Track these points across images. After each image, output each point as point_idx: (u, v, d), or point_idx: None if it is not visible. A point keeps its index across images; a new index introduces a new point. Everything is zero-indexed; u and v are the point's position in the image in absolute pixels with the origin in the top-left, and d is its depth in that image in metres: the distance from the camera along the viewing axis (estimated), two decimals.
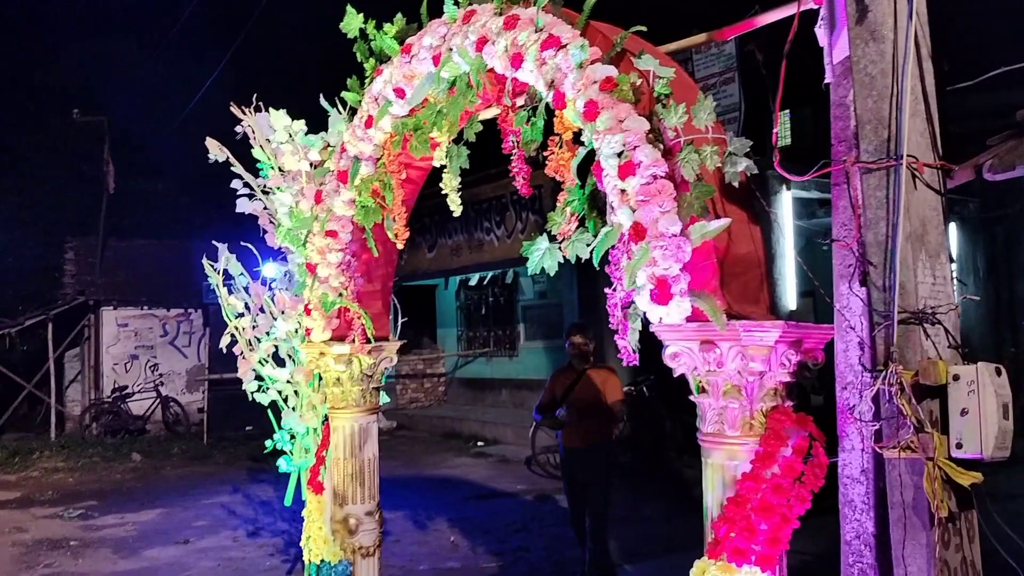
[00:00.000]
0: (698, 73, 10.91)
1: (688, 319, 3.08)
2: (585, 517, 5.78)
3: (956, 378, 2.56)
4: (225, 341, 5.41)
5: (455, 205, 4.17)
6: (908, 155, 2.69)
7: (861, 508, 2.88)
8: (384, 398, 5.23)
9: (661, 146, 3.15)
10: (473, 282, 16.75)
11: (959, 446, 2.54)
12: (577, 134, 3.45)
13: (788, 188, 10.66)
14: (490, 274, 16.00)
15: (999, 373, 2.57)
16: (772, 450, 3.01)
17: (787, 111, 13.12)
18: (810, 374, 3.48)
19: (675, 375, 3.30)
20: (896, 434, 2.64)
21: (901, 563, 2.65)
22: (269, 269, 5.67)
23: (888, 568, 2.77)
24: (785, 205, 10.69)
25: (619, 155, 3.16)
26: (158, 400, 16.38)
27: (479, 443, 13.62)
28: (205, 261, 5.50)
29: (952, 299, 2.83)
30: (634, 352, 3.33)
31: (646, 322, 3.24)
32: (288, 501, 5.59)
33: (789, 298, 10.48)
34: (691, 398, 3.25)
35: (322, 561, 4.90)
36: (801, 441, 3.06)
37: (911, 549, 2.64)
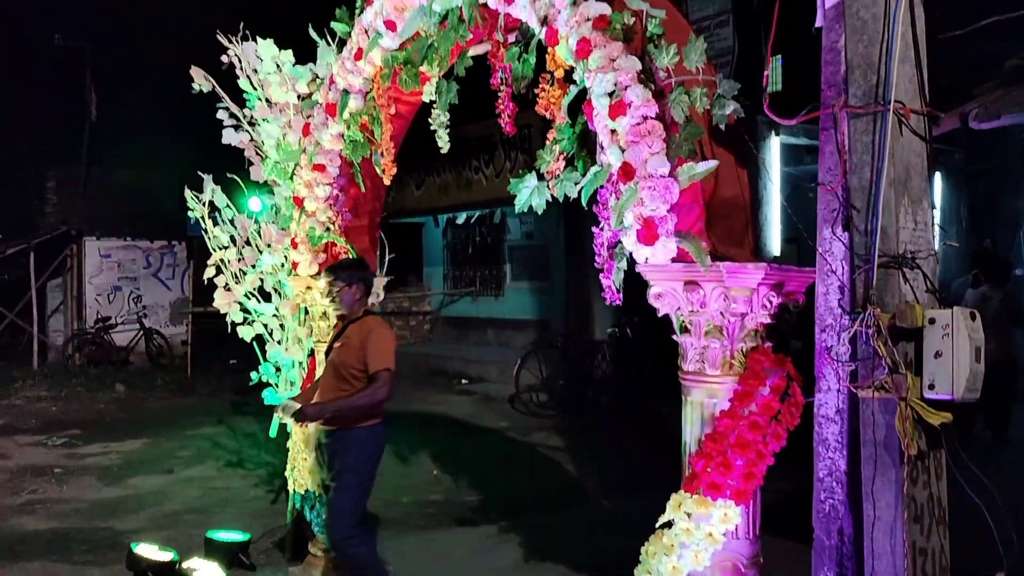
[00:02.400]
0: (692, 15, 10.76)
1: (673, 260, 3.13)
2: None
3: (932, 321, 2.63)
4: (209, 273, 5.41)
5: (443, 142, 4.16)
6: (896, 101, 2.71)
7: (834, 447, 2.97)
8: None
9: (652, 87, 3.15)
10: (460, 221, 16.71)
11: (931, 387, 2.62)
12: (568, 73, 3.44)
13: (777, 134, 10.64)
14: (477, 213, 15.97)
15: (973, 318, 2.64)
16: (750, 389, 3.09)
17: (779, 56, 13.00)
18: (790, 317, 3.55)
19: (659, 315, 3.36)
20: (871, 375, 2.72)
21: (871, 499, 2.74)
22: (255, 202, 5.66)
23: (858, 504, 2.87)
24: (773, 151, 10.68)
25: (610, 95, 3.17)
26: (141, 332, 16.38)
27: (463, 381, 13.75)
28: (188, 192, 5.46)
29: (932, 245, 2.88)
30: (618, 291, 3.38)
31: (631, 262, 3.28)
32: (273, 433, 5.67)
33: (774, 244, 10.54)
34: (673, 337, 3.32)
35: (306, 491, 5.00)
36: (779, 381, 3.15)
37: (880, 485, 2.73)
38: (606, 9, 3.22)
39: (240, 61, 5.18)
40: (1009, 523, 2.75)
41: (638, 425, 9.79)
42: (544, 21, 3.41)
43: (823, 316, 2.99)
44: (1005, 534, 2.79)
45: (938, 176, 12.92)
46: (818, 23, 2.98)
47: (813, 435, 3.06)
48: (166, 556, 4.98)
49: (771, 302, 3.19)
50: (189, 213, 5.43)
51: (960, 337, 2.55)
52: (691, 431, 3.25)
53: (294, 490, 5.16)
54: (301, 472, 5.04)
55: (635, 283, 3.39)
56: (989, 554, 2.87)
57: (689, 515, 3.05)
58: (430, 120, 4.17)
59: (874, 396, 2.70)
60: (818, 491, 3.04)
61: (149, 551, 4.99)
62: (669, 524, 3.11)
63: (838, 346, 2.84)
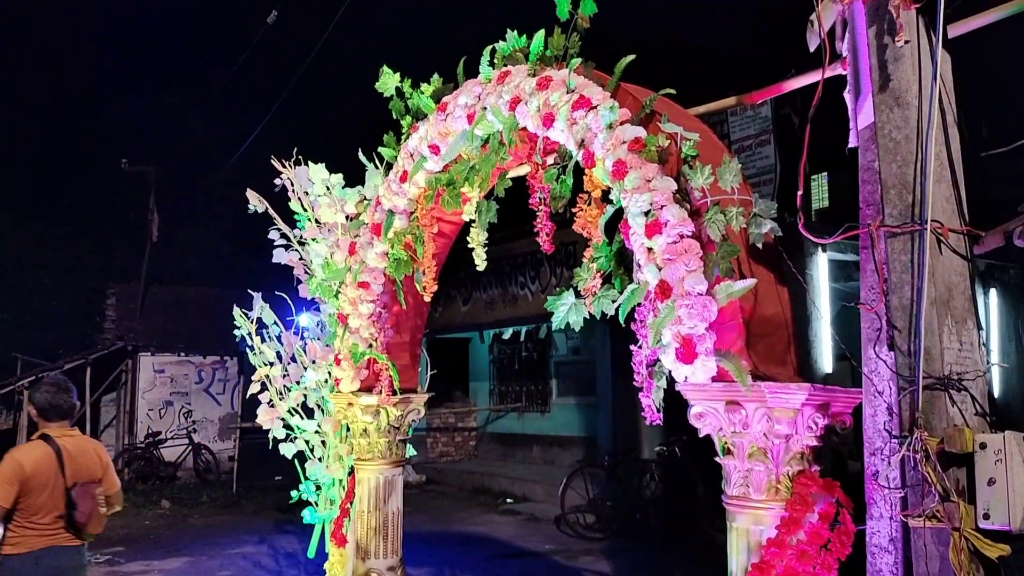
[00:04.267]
0: (733, 135, 10.97)
1: (713, 379, 3.08)
2: None
3: (983, 446, 2.51)
4: (254, 388, 5.48)
5: (480, 259, 4.23)
6: (933, 220, 2.69)
7: None
8: (411, 451, 5.24)
9: (688, 206, 3.18)
10: (507, 336, 16.75)
11: (986, 516, 2.48)
12: (605, 192, 3.50)
13: (824, 250, 10.60)
14: (524, 329, 16.01)
15: None
16: (798, 515, 2.96)
17: (824, 174, 13.14)
18: (838, 439, 3.43)
19: (700, 435, 3.28)
20: (921, 502, 2.58)
21: None
22: (304, 319, 5.76)
23: None
24: (821, 267, 10.60)
25: (646, 214, 3.20)
26: (190, 447, 16.49)
27: (508, 500, 13.46)
28: (236, 309, 5.60)
29: (980, 365, 2.78)
30: (658, 411, 3.31)
31: (671, 381, 3.23)
32: (312, 553, 5.58)
33: (825, 361, 10.32)
34: (716, 459, 3.22)
35: None
36: (828, 507, 3.01)
37: None
38: (641, 132, 3.30)
39: (292, 184, 5.40)
40: None
41: (688, 549, 9.40)
42: (581, 144, 3.51)
43: (871, 439, 2.89)
44: None
45: (993, 293, 12.65)
46: (851, 143, 3.01)
47: (867, 566, 2.90)
48: None
49: (817, 423, 3.09)
50: (235, 331, 5.55)
51: (1015, 463, 2.43)
52: (737, 560, 3.11)
53: None
54: None
55: (682, 401, 3.33)
56: None
57: None
58: (468, 238, 4.26)
59: (926, 526, 2.56)
60: None
61: None
62: None
63: (887, 471, 2.72)
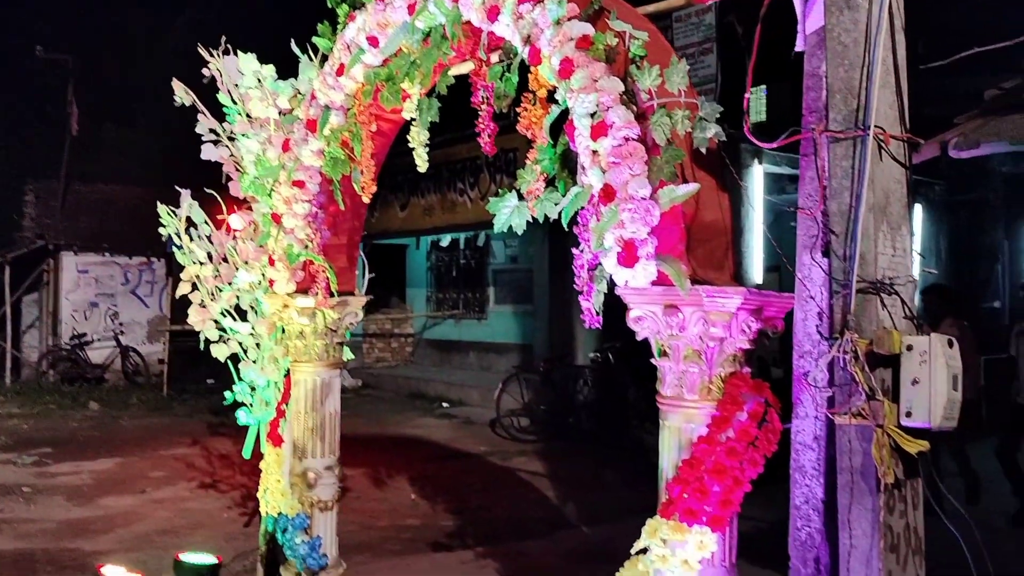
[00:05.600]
0: (677, 41, 10.85)
1: (653, 283, 3.10)
2: None
3: (909, 348, 2.60)
4: (184, 289, 5.33)
5: (422, 161, 4.12)
6: (876, 126, 2.70)
7: (812, 474, 2.93)
8: (348, 354, 5.21)
9: (634, 108, 3.13)
10: (445, 243, 16.68)
11: (908, 415, 2.59)
12: (551, 93, 3.42)
13: (760, 162, 10.72)
14: (462, 236, 15.95)
15: (951, 345, 2.62)
16: (728, 414, 3.05)
17: (763, 86, 13.17)
18: (768, 343, 3.52)
19: (639, 339, 3.33)
20: (848, 401, 2.69)
21: (847, 527, 2.70)
22: (235, 220, 5.58)
23: (835, 533, 2.83)
24: (756, 179, 10.75)
25: (592, 115, 3.15)
26: (118, 349, 16.19)
27: (444, 404, 13.66)
28: (162, 207, 5.39)
29: (911, 272, 2.86)
30: (597, 314, 3.34)
31: (611, 285, 3.25)
32: (247, 454, 5.56)
33: (756, 272, 10.58)
34: (652, 361, 3.28)
35: (280, 514, 4.90)
36: (757, 407, 3.11)
37: (857, 514, 2.69)
38: (589, 29, 3.21)
39: (221, 75, 5.14)
40: (986, 555, 2.72)
41: (619, 451, 9.73)
42: (527, 40, 3.40)
43: (801, 342, 2.97)
44: (982, 567, 2.76)
45: (919, 207, 13.03)
46: (798, 47, 2.98)
47: (790, 462, 3.03)
48: None
49: (750, 327, 3.16)
50: (161, 229, 5.36)
51: (938, 364, 2.53)
52: (668, 456, 3.20)
53: (266, 513, 5.05)
54: (273, 494, 4.94)
55: (617, 308, 3.35)
56: None
57: (664, 541, 2.99)
58: (408, 138, 4.14)
59: (851, 423, 2.66)
60: (794, 519, 2.99)
61: (117, 573, 4.87)
62: (644, 550, 3.05)
63: (815, 372, 2.81)
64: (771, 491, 3.28)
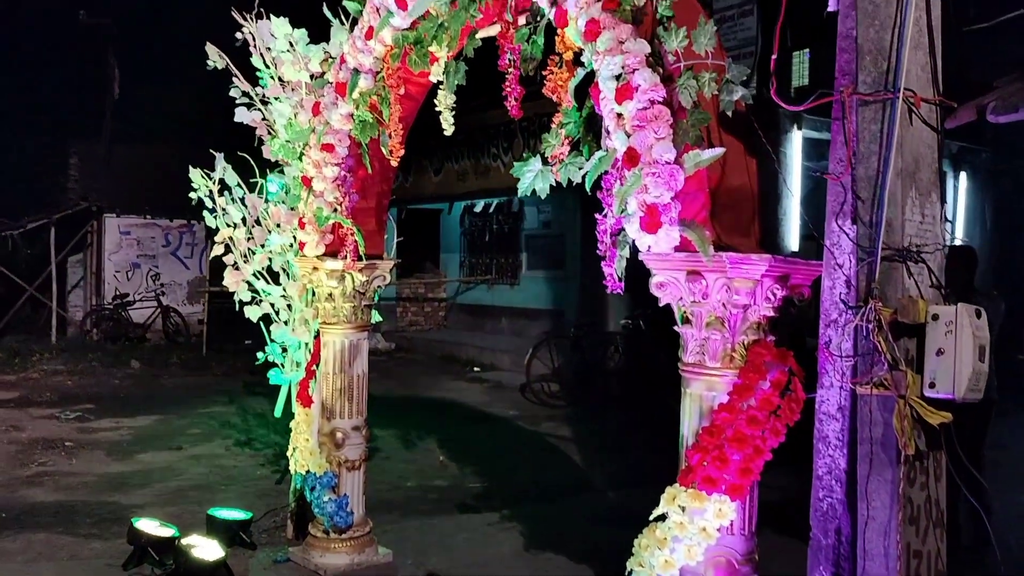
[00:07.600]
0: (717, 3, 10.61)
1: (676, 248, 3.07)
2: None
3: (935, 317, 2.55)
4: (217, 251, 5.41)
5: (448, 124, 4.11)
6: (906, 88, 2.62)
7: (835, 444, 2.90)
8: (376, 317, 5.25)
9: (660, 70, 3.08)
10: (478, 208, 16.65)
11: (932, 386, 2.55)
12: (577, 55, 3.38)
13: (799, 128, 10.48)
14: (496, 201, 15.90)
15: (979, 315, 2.56)
16: (750, 382, 3.03)
17: (806, 51, 12.86)
18: (797, 311, 3.47)
19: (660, 305, 3.30)
20: (870, 370, 2.64)
21: (865, 498, 2.68)
22: (271, 185, 5.62)
23: (856, 504, 2.80)
24: (795, 144, 10.53)
25: (617, 78, 3.10)
26: (159, 309, 16.51)
27: (475, 368, 13.75)
28: (195, 171, 5.44)
29: (939, 239, 2.80)
30: (619, 280, 3.32)
31: (634, 250, 3.22)
32: (278, 413, 5.67)
33: (792, 239, 10.41)
34: (675, 328, 3.26)
35: (308, 472, 5.00)
36: (780, 375, 3.08)
37: (876, 485, 2.67)
38: None
39: (254, 39, 5.15)
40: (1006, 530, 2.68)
41: (647, 418, 9.71)
42: (554, 2, 3.35)
43: (828, 311, 2.92)
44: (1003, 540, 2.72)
45: (963, 175, 12.70)
46: (831, 7, 2.89)
47: (814, 432, 3.00)
48: (167, 532, 5.00)
49: (775, 295, 3.12)
50: (191, 194, 5.43)
51: (964, 335, 2.48)
52: (689, 424, 3.20)
53: (295, 470, 5.16)
54: (302, 453, 5.03)
55: (647, 275, 3.33)
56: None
57: (683, 509, 3.00)
58: (436, 101, 4.12)
59: (873, 393, 2.63)
60: (816, 489, 2.97)
61: (150, 526, 5.01)
62: (663, 517, 3.06)
63: (840, 341, 2.77)
64: (800, 462, 3.25)
